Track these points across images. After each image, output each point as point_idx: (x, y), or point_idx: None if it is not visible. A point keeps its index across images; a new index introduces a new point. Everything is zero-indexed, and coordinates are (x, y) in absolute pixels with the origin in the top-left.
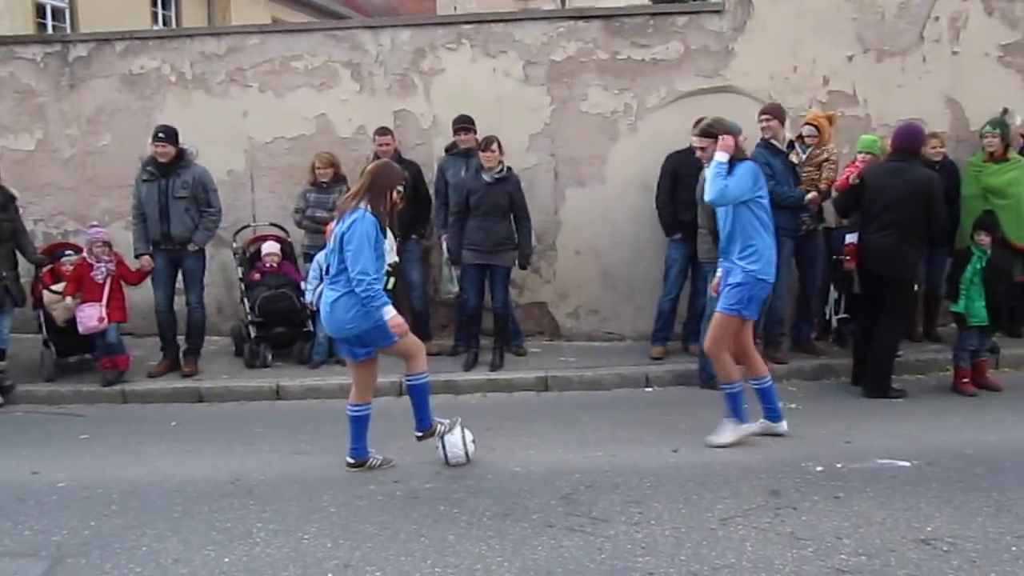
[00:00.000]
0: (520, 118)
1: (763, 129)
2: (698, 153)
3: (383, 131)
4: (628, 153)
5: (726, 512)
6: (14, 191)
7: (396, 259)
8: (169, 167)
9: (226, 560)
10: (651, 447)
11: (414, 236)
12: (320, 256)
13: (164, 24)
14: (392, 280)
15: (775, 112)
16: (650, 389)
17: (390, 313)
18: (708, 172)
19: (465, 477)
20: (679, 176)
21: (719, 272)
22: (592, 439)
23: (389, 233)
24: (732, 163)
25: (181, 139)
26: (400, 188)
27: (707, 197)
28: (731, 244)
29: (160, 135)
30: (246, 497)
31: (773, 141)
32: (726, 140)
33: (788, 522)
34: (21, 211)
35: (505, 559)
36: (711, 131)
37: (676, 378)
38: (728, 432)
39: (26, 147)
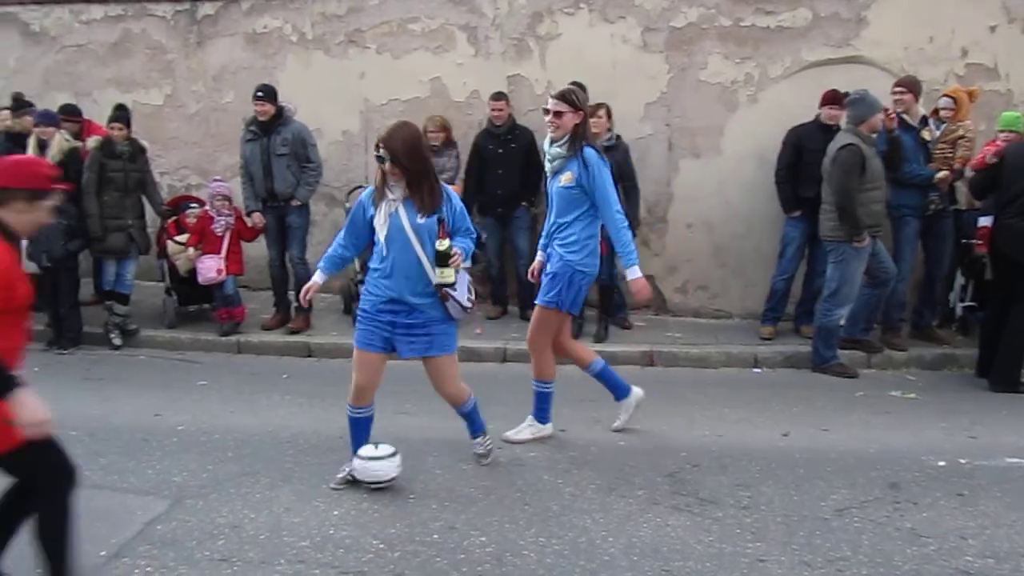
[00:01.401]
0: (636, 86)
1: (896, 103)
2: (548, 118)
3: (497, 96)
4: (747, 125)
5: (841, 503)
6: (144, 143)
7: (443, 244)
8: (269, 125)
9: (335, 513)
10: (760, 429)
11: (524, 203)
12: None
13: None
14: (443, 271)
15: (910, 85)
16: (759, 370)
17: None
18: (552, 188)
19: (568, 448)
20: (803, 150)
21: (539, 257)
22: (698, 417)
23: (382, 207)
24: (573, 145)
25: (297, 98)
26: (378, 153)
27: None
28: (555, 228)
29: (259, 93)
30: None
31: (905, 116)
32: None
33: (908, 517)
34: (150, 163)
35: (610, 534)
36: (572, 99)
37: (786, 360)
38: (526, 431)
39: (155, 102)
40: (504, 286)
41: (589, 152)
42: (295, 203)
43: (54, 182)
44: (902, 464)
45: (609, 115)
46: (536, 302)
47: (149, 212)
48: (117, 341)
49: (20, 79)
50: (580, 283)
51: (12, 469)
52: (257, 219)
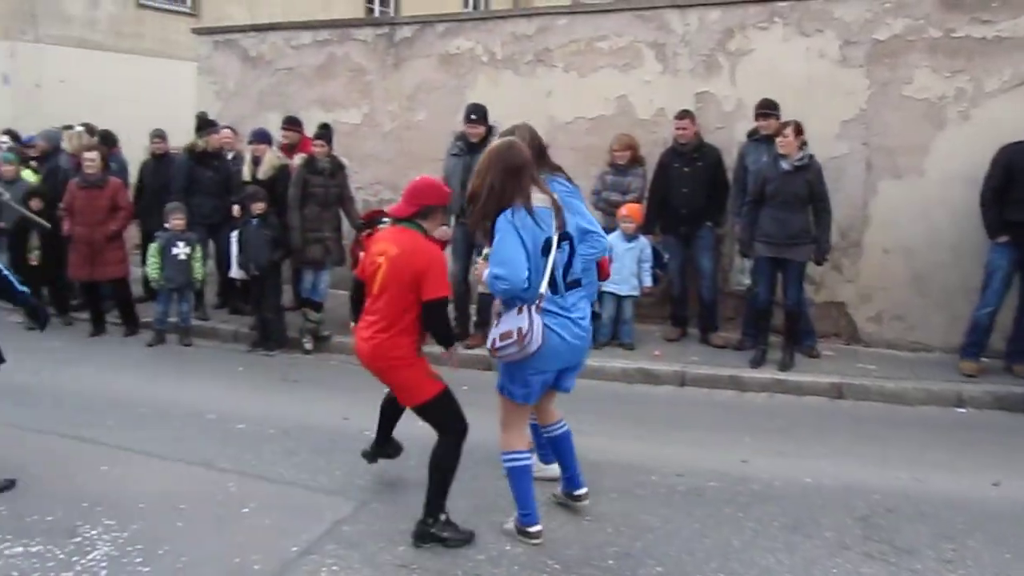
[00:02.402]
0: (832, 103)
1: None
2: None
3: (682, 115)
4: (956, 144)
5: None
6: (343, 160)
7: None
8: (476, 146)
9: (507, 527)
10: (965, 476)
11: (708, 223)
12: (611, 238)
13: (474, 7)
14: None
15: None
16: (963, 410)
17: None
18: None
19: (750, 480)
20: (1015, 171)
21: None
22: (894, 458)
23: None
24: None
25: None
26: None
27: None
28: None
29: (472, 116)
30: None
31: None
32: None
33: None
34: (348, 179)
35: None
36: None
37: (997, 401)
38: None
39: (354, 121)
40: (685, 307)
41: None
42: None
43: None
44: None
45: (799, 133)
46: None
47: (344, 225)
48: (308, 346)
49: (238, 100)
50: None
51: (426, 416)
52: (445, 232)
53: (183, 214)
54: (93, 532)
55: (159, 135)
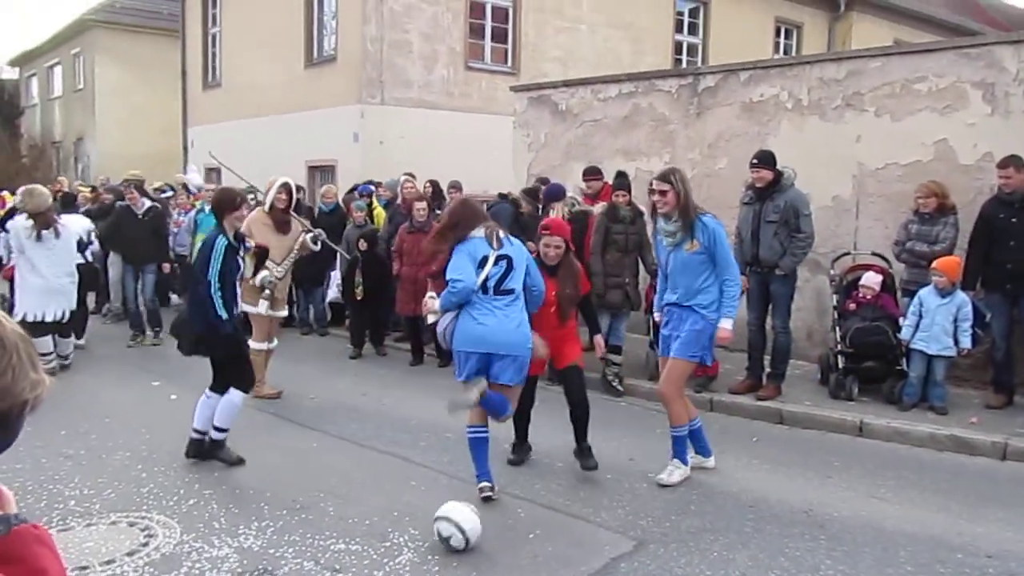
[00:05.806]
0: None
1: None
2: (655, 198)
3: (1004, 163)
4: None
5: None
6: (643, 207)
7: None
8: (764, 191)
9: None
10: None
11: None
12: (922, 292)
13: (785, 53)
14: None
15: None
16: None
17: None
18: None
19: None
20: None
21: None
22: None
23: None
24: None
25: (787, 163)
26: None
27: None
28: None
29: (754, 161)
30: (817, 530)
31: None
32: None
33: None
34: (647, 226)
35: None
36: (669, 177)
37: None
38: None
39: (655, 168)
40: (1011, 372)
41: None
42: (778, 272)
43: None
44: None
45: None
46: (675, 356)
47: (642, 270)
48: (620, 388)
49: (547, 151)
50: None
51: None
52: (742, 282)
53: None
54: (401, 538)
55: (454, 185)
